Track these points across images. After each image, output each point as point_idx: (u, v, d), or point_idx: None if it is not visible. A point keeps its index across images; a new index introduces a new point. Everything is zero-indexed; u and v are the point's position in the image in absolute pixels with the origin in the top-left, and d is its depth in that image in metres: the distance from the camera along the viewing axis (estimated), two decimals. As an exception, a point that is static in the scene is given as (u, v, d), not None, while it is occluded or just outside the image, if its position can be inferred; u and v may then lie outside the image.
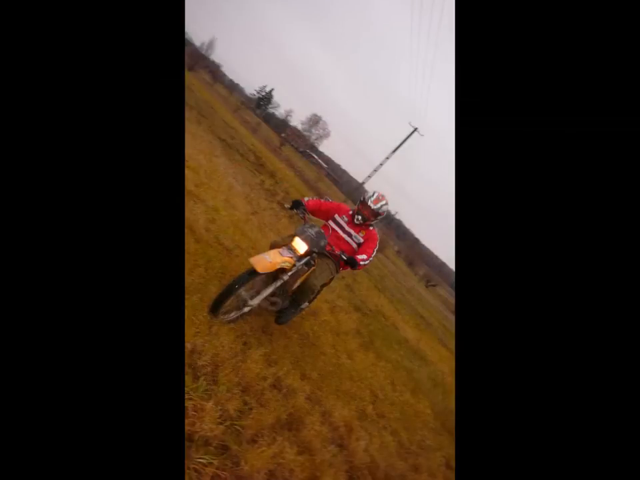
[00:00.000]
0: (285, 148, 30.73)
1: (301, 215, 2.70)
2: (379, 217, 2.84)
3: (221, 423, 1.56)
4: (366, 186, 29.21)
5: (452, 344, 9.43)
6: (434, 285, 35.97)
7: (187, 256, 2.49)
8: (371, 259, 2.68)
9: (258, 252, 2.64)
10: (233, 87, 60.83)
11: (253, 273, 2.14)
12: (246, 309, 2.29)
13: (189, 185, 3.96)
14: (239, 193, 5.78)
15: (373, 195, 2.81)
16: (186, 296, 2.03)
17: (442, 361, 6.86)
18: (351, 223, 2.82)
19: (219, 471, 1.41)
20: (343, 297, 5.11)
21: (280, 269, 2.25)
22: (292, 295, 2.59)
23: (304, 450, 1.86)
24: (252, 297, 2.29)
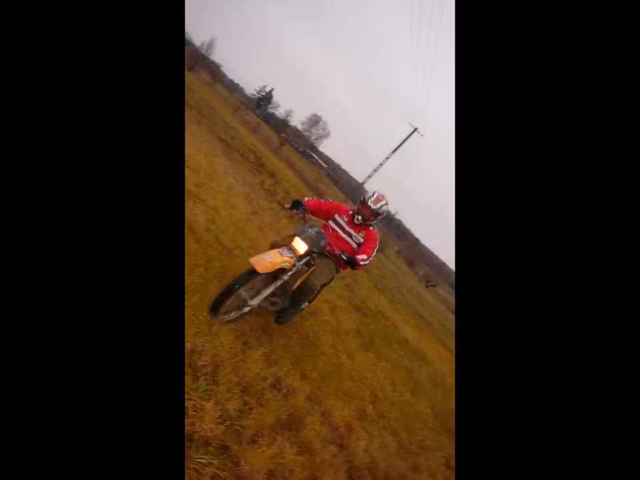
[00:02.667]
0: (285, 148, 30.72)
1: (301, 215, 2.70)
2: (379, 217, 2.84)
3: (221, 423, 1.56)
4: (366, 186, 29.22)
5: (452, 344, 9.43)
6: (434, 285, 35.94)
7: (187, 256, 2.49)
8: (370, 258, 2.68)
9: (258, 252, 2.64)
10: (233, 87, 60.81)
11: (253, 273, 2.14)
12: (246, 309, 2.29)
13: (189, 184, 3.96)
14: (239, 193, 5.78)
15: (372, 195, 2.81)
16: (186, 296, 2.03)
17: (442, 361, 6.85)
18: (351, 222, 2.82)
19: (219, 471, 1.41)
20: (343, 297, 5.11)
21: (280, 268, 2.25)
22: (292, 295, 2.59)
23: (304, 450, 1.86)
24: (252, 297, 2.29)
